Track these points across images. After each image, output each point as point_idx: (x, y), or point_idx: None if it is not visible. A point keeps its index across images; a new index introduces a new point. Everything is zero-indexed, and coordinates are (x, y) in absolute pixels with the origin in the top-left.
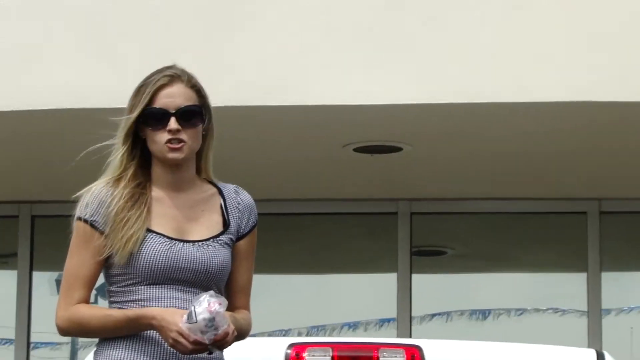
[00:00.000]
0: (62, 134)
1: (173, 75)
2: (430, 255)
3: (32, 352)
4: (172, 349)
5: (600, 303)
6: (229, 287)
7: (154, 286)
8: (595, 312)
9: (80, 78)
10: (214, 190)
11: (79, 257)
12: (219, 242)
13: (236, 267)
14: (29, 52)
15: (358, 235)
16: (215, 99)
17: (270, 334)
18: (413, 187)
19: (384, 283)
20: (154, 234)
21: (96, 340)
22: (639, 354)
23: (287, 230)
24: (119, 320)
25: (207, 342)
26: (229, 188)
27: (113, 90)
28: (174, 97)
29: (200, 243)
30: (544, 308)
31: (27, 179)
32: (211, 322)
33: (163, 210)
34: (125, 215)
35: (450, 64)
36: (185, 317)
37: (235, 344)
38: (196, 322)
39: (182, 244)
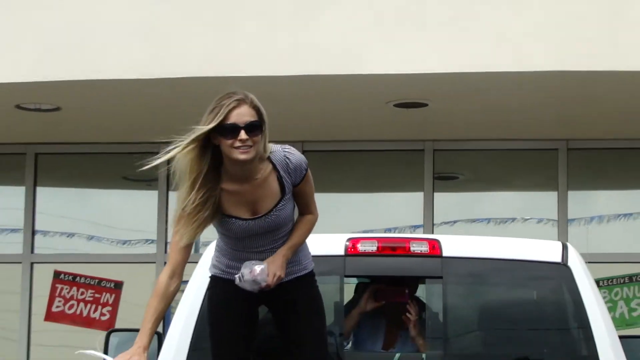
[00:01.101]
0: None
1: (240, 99)
2: (447, 179)
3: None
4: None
5: (567, 214)
6: (298, 208)
7: (240, 239)
8: (563, 221)
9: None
10: (270, 167)
11: (176, 229)
12: (280, 208)
13: (299, 198)
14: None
15: (396, 165)
16: (299, 70)
17: None
18: (435, 131)
19: (414, 200)
20: (233, 218)
21: (212, 240)
22: (593, 247)
23: (346, 162)
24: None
25: None
26: (280, 159)
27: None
28: (242, 115)
29: (266, 216)
30: (527, 217)
31: (164, 123)
32: (255, 281)
33: (236, 199)
34: (195, 217)
35: (462, 44)
36: (237, 277)
37: (310, 238)
38: (244, 281)
39: (253, 221)
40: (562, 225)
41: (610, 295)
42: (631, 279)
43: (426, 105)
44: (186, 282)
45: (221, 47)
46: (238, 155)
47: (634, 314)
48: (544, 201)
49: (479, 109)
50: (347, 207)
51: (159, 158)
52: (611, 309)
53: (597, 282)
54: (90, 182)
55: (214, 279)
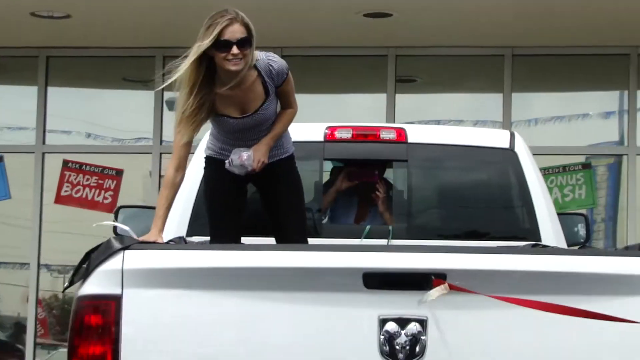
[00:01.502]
0: None
1: (232, 18)
2: (407, 82)
3: (163, 144)
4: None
5: (511, 116)
6: (280, 103)
7: (231, 132)
8: (507, 122)
9: None
10: (256, 73)
11: (177, 129)
12: (265, 108)
13: (281, 96)
14: None
15: (364, 69)
16: None
17: None
18: (398, 39)
19: (379, 100)
20: (225, 117)
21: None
22: (533, 144)
23: (319, 66)
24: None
25: None
26: (264, 66)
27: None
28: (234, 32)
29: (253, 114)
30: (475, 119)
31: (161, 31)
32: (242, 166)
33: (229, 102)
34: (193, 119)
35: None
36: (226, 162)
37: (293, 127)
38: (233, 166)
39: (242, 119)
40: (506, 126)
41: (547, 183)
42: (565, 168)
43: (391, 15)
44: None
45: None
46: (230, 67)
47: (567, 199)
48: (491, 104)
49: (436, 20)
50: (317, 107)
51: (170, 78)
52: None
53: None
54: (95, 83)
55: (208, 159)
